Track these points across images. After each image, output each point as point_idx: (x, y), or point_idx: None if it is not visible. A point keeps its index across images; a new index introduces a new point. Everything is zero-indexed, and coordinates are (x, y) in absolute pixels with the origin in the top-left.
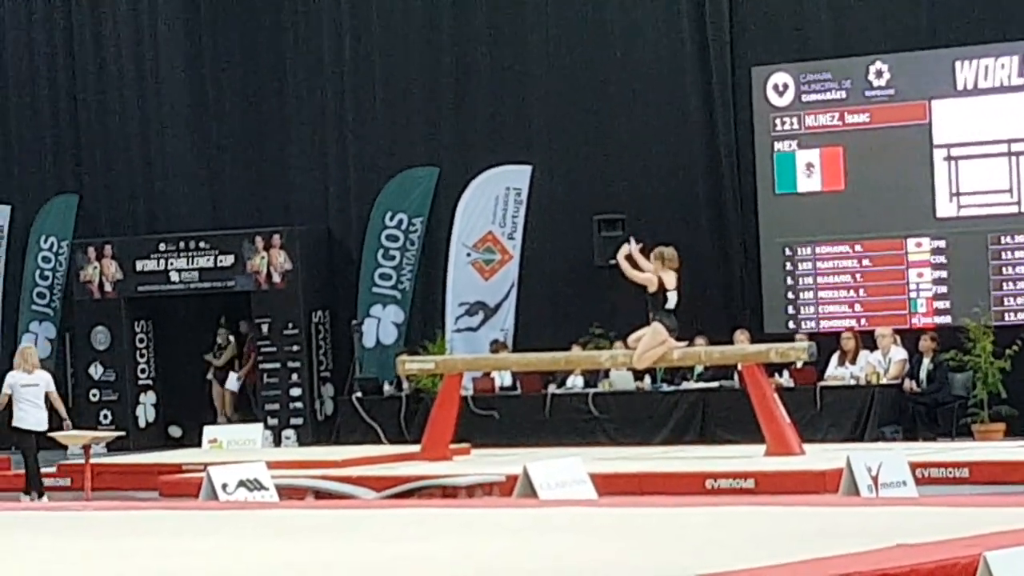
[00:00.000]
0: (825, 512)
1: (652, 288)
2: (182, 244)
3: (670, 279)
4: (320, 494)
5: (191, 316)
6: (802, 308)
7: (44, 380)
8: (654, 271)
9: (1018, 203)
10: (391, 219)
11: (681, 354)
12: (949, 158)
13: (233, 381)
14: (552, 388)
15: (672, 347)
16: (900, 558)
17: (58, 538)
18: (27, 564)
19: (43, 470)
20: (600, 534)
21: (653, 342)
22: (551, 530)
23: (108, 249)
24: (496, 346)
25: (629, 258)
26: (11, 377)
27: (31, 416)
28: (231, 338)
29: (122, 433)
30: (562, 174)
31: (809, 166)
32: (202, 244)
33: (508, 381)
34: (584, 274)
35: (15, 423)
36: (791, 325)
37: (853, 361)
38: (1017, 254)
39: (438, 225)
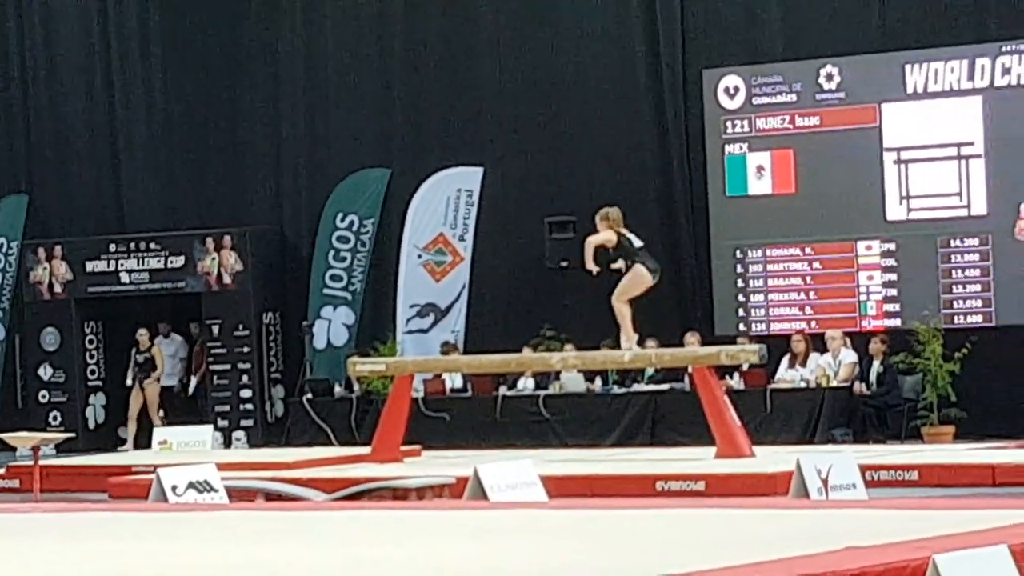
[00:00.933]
0: (775, 514)
1: (612, 243)
2: (132, 245)
3: (624, 230)
4: (270, 496)
5: (141, 317)
6: (752, 310)
7: None
8: (607, 229)
9: (967, 206)
10: (342, 220)
11: (632, 356)
12: (899, 161)
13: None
14: (503, 390)
15: (629, 290)
16: (850, 560)
17: (5, 541)
18: None
19: None
20: (551, 536)
21: (633, 282)
22: (502, 532)
23: (58, 250)
24: (447, 348)
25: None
26: None
27: None
28: (152, 341)
29: (71, 435)
30: (513, 176)
31: (760, 169)
32: (152, 245)
33: (459, 383)
34: (535, 276)
35: None
36: (741, 327)
37: (803, 363)
38: (967, 257)
39: (389, 227)
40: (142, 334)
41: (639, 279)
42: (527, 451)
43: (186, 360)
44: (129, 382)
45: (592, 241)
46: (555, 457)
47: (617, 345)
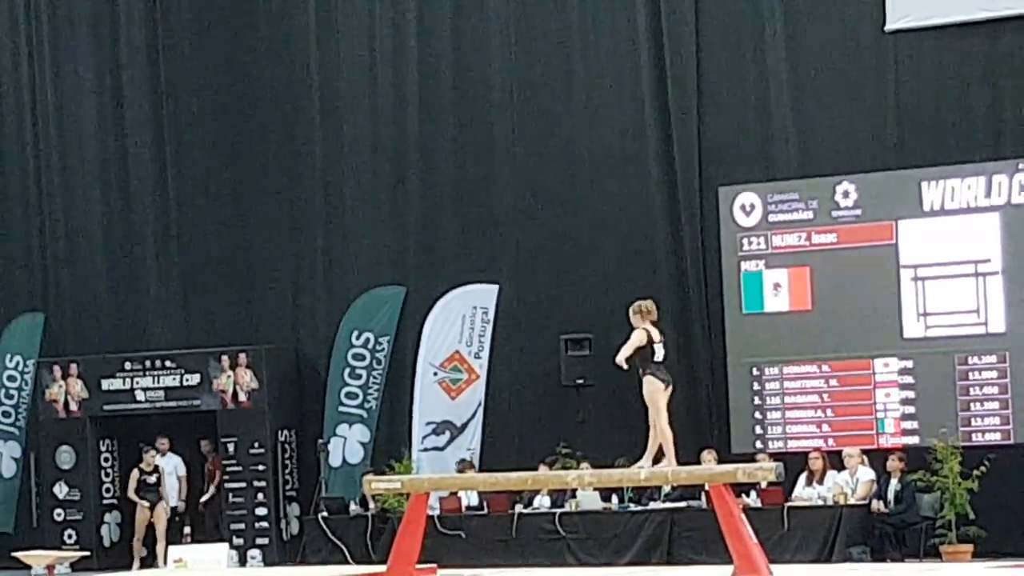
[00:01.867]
0: None
1: (643, 342)
2: (148, 363)
3: (655, 332)
4: None
5: (157, 435)
6: (769, 428)
7: None
8: (638, 326)
9: (985, 323)
10: (358, 338)
11: (648, 473)
12: (916, 278)
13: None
14: (519, 508)
15: (660, 409)
16: None
17: None
18: None
19: None
20: None
21: (648, 399)
22: None
23: (74, 368)
24: (463, 465)
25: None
26: None
27: None
28: (156, 461)
29: (86, 553)
30: (529, 293)
31: (776, 286)
32: (168, 363)
33: (475, 501)
34: (551, 393)
35: None
36: (758, 445)
37: (820, 481)
38: (984, 374)
39: (404, 344)
40: (149, 451)
41: (654, 390)
42: (543, 570)
43: (185, 478)
44: (135, 498)
45: (627, 352)
46: (572, 575)
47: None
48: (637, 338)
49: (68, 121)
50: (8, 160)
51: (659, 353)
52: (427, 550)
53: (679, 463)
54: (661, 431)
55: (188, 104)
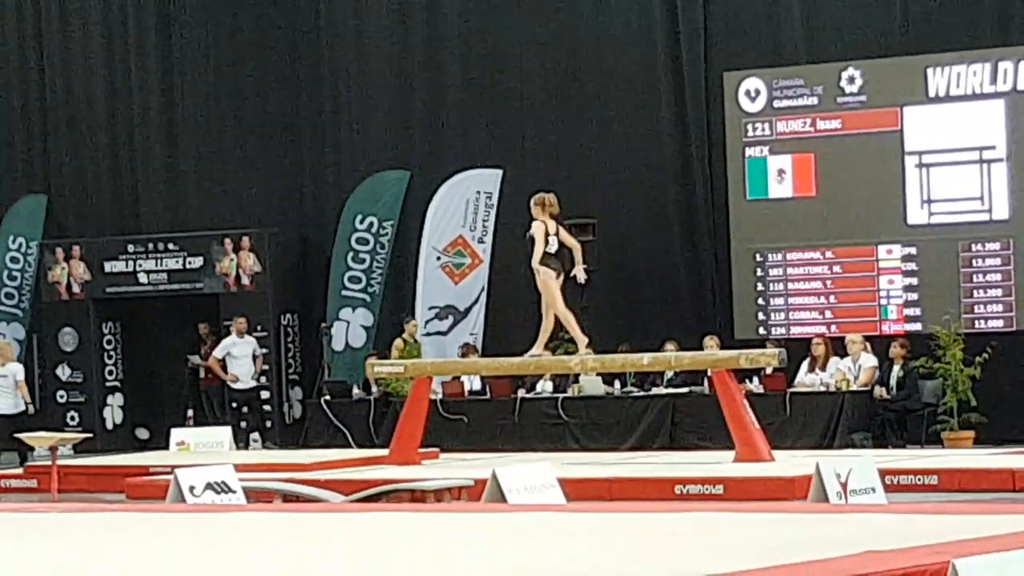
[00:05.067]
0: (794, 518)
1: (541, 237)
2: (151, 246)
3: (551, 225)
4: (288, 497)
5: (159, 318)
6: (772, 314)
7: (12, 371)
8: (537, 217)
9: (989, 211)
10: (361, 222)
11: (651, 359)
12: (920, 165)
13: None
14: (521, 392)
15: (554, 295)
16: (869, 565)
17: (23, 540)
18: None
19: (9, 471)
20: (569, 539)
21: (541, 288)
22: (519, 535)
23: (76, 250)
24: (466, 350)
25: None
26: None
27: (2, 403)
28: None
29: (89, 435)
30: (533, 178)
31: (780, 172)
32: (171, 246)
33: (477, 385)
34: None
35: None
36: (761, 331)
37: (823, 368)
38: (988, 261)
39: (408, 228)
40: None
41: (548, 279)
42: (545, 454)
43: (261, 359)
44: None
45: (540, 245)
46: (573, 460)
47: (635, 350)
48: (539, 235)
49: (72, 4)
50: (10, 43)
51: (552, 245)
52: (429, 434)
53: (681, 349)
54: (562, 315)
55: None
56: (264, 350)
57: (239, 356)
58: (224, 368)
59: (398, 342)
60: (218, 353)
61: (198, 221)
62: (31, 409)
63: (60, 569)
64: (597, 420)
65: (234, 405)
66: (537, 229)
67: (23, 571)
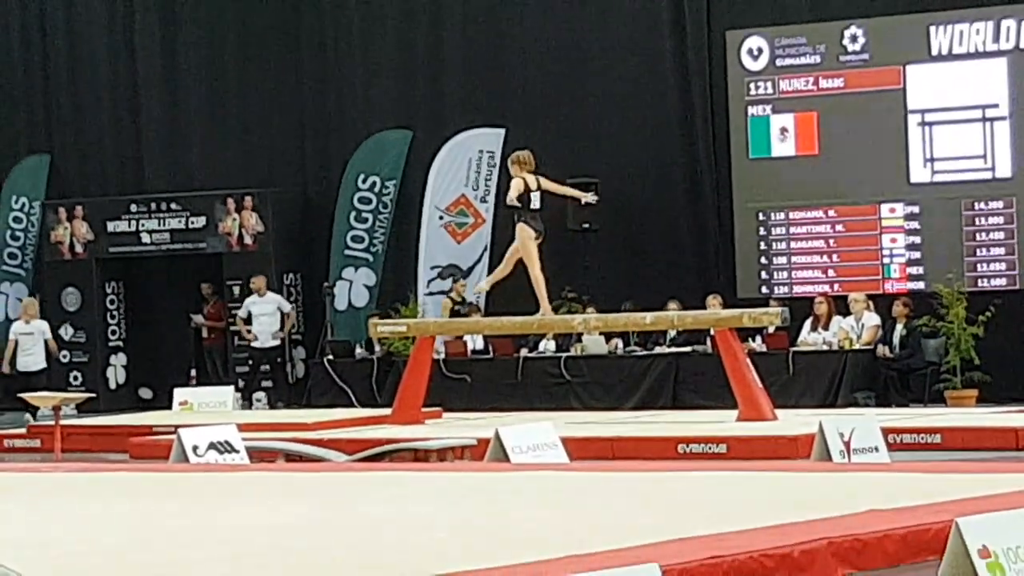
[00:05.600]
0: (797, 477)
1: (521, 189)
2: (153, 205)
3: (531, 180)
4: (291, 457)
5: (162, 278)
6: (775, 273)
7: (39, 328)
8: (516, 175)
9: (992, 169)
10: (364, 182)
11: (654, 317)
12: (923, 123)
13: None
14: (524, 352)
15: (533, 256)
16: (872, 523)
17: (27, 500)
18: None
19: (13, 431)
20: (572, 498)
21: (519, 246)
22: (523, 494)
23: (79, 210)
24: (468, 309)
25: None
26: (13, 327)
27: (29, 360)
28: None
29: (92, 395)
30: (536, 137)
31: (783, 130)
32: (173, 205)
33: (480, 345)
34: (557, 238)
35: (19, 368)
36: (764, 290)
37: (826, 327)
38: (991, 220)
39: (411, 188)
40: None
41: (527, 238)
42: (548, 413)
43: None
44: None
45: (512, 193)
46: (576, 419)
47: (638, 309)
48: (516, 184)
49: None
50: (12, 3)
51: (535, 202)
52: (432, 394)
53: (683, 308)
54: (535, 278)
55: None
56: (288, 307)
57: (258, 315)
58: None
59: (446, 301)
60: (242, 313)
61: (201, 181)
62: (57, 360)
63: (62, 530)
64: (600, 379)
65: (251, 363)
66: (514, 184)
67: (26, 531)
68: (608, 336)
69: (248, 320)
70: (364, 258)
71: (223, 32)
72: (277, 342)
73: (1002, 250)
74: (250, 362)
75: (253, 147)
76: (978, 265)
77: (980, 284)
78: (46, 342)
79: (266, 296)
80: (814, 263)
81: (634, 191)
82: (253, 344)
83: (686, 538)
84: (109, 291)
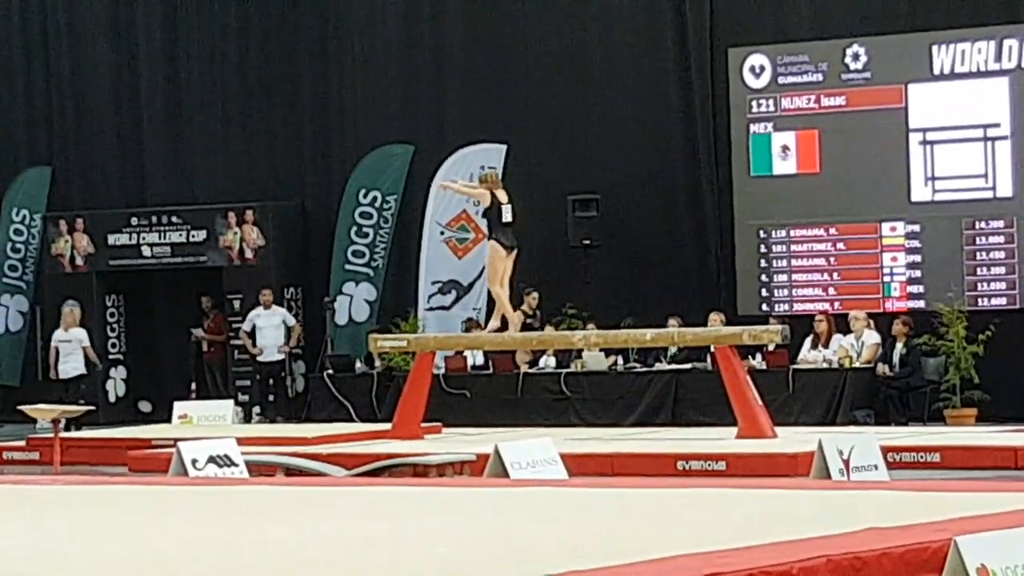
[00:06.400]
0: (796, 495)
1: (485, 202)
2: (154, 218)
3: (502, 195)
4: (290, 471)
5: (163, 291)
6: (776, 291)
7: (77, 336)
8: (485, 190)
9: (993, 188)
10: (365, 196)
11: (655, 335)
12: (925, 142)
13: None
14: (524, 368)
15: (494, 272)
16: (871, 542)
17: (26, 512)
18: None
19: (11, 444)
20: (571, 514)
21: (490, 258)
22: (522, 510)
23: (80, 223)
24: (469, 325)
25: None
26: (54, 335)
27: (68, 367)
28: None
29: (92, 407)
30: (537, 153)
31: (785, 148)
32: (175, 219)
33: (480, 360)
34: (558, 254)
35: (60, 375)
36: (765, 307)
37: (826, 344)
38: (991, 239)
39: (412, 203)
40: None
41: (494, 255)
42: (548, 429)
43: (295, 328)
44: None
45: (465, 192)
46: (576, 435)
47: (638, 325)
48: (479, 192)
49: None
50: (14, 14)
51: (506, 215)
52: (432, 409)
53: (684, 325)
54: (496, 295)
55: None
56: (293, 321)
57: (264, 327)
58: (253, 341)
59: (517, 314)
60: (246, 326)
61: (202, 194)
62: (98, 369)
63: (61, 542)
64: (600, 395)
65: (258, 378)
66: (481, 192)
67: (24, 543)
68: (608, 352)
69: (251, 333)
70: (365, 273)
71: (225, 46)
72: (281, 356)
73: (1003, 269)
74: (257, 377)
75: (254, 161)
76: (978, 284)
77: (980, 303)
78: (84, 350)
79: (272, 309)
80: (815, 281)
81: (635, 207)
82: (258, 358)
83: (685, 555)
84: (109, 304)
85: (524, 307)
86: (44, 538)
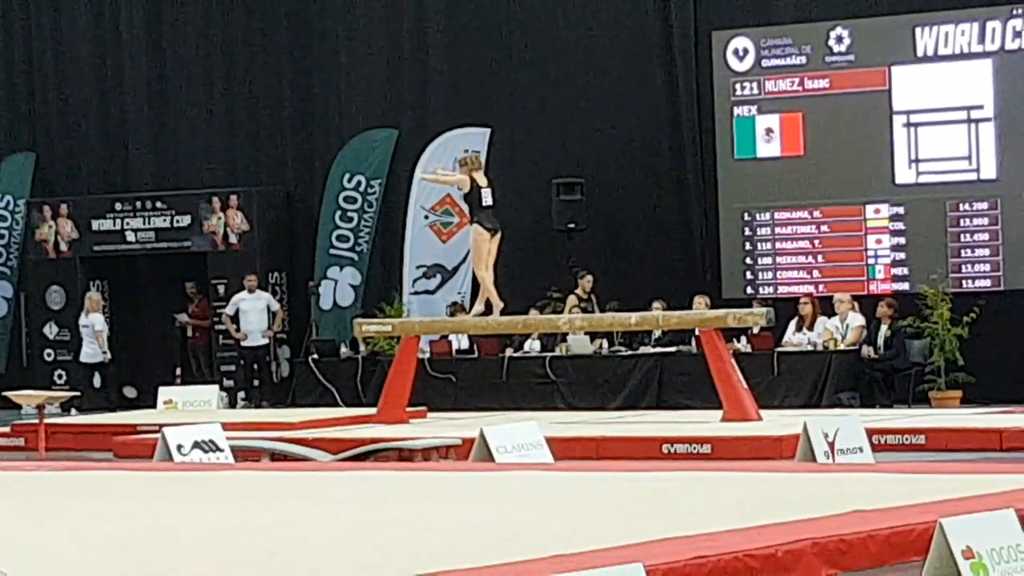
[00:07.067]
0: (781, 478)
1: (465, 187)
2: (138, 204)
3: (481, 178)
4: (276, 456)
5: (147, 276)
6: (760, 273)
7: (93, 322)
8: (464, 175)
9: (977, 170)
10: (349, 181)
11: (639, 318)
12: (908, 124)
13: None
14: (509, 352)
15: (479, 256)
16: (856, 524)
17: (11, 499)
18: None
19: None
20: (556, 498)
21: (474, 241)
22: (507, 494)
23: (64, 208)
24: (454, 309)
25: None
26: (80, 320)
27: (88, 352)
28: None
29: (77, 393)
30: (521, 137)
31: (768, 131)
32: (158, 204)
33: (465, 344)
34: (542, 238)
35: (82, 359)
36: (749, 290)
37: (811, 327)
38: (975, 221)
39: (396, 187)
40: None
41: (478, 239)
42: (533, 413)
43: (279, 313)
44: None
45: (444, 181)
46: (561, 419)
47: (623, 309)
48: (458, 178)
49: None
50: None
51: (486, 198)
52: (417, 393)
53: (668, 308)
54: (481, 278)
55: None
56: (277, 306)
57: (248, 311)
58: (237, 325)
59: (572, 298)
60: (229, 310)
61: (186, 179)
62: (107, 359)
63: (47, 527)
64: (585, 379)
65: (242, 363)
66: (460, 177)
67: (9, 530)
68: (593, 336)
69: (235, 318)
70: (349, 257)
71: (209, 31)
72: (265, 340)
73: (986, 251)
74: (241, 362)
75: (238, 146)
76: (963, 266)
77: (964, 285)
78: (96, 335)
79: (256, 293)
80: (799, 263)
81: (619, 191)
82: (242, 343)
83: (670, 538)
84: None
85: (579, 291)
86: (29, 524)
